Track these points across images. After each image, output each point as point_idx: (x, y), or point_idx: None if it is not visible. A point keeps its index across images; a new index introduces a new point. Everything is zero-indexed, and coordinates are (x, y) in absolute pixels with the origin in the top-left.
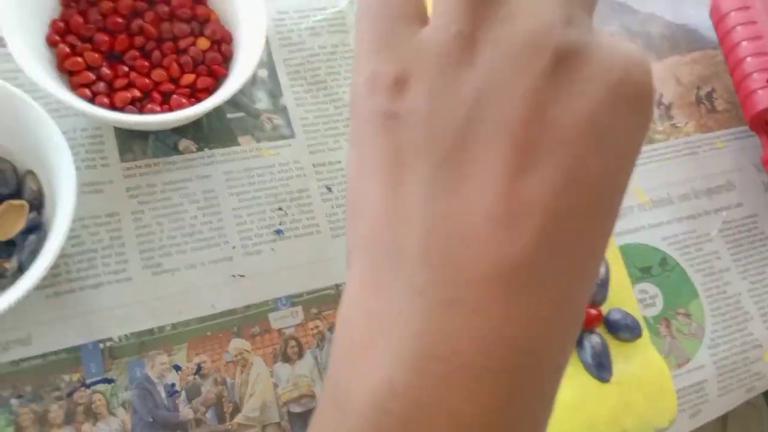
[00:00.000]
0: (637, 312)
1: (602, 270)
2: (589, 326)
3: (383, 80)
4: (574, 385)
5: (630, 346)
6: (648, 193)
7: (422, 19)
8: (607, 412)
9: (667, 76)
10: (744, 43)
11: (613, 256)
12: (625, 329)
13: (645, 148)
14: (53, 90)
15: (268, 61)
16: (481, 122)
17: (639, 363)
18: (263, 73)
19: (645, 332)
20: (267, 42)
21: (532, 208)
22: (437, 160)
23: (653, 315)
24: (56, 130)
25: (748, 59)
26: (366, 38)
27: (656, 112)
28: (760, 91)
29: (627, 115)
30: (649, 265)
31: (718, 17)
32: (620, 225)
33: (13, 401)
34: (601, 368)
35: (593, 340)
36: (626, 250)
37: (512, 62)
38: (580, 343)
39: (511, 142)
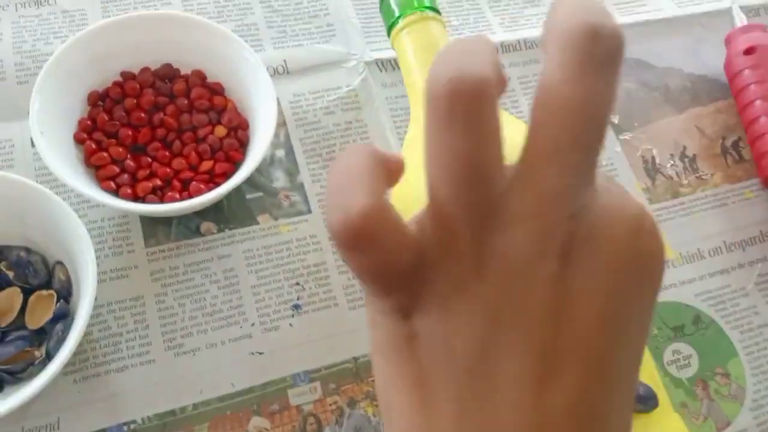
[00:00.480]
0: (656, 380)
1: None
2: None
3: (396, 307)
4: None
5: (645, 417)
6: (677, 249)
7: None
8: None
9: (690, 128)
10: (758, 102)
11: None
12: (636, 400)
13: (671, 203)
14: (80, 187)
15: (285, 142)
16: (500, 334)
17: None
18: (280, 153)
19: (665, 401)
20: (284, 123)
21: (560, 416)
22: (463, 376)
23: (688, 376)
24: (80, 223)
25: (762, 119)
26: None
27: (680, 165)
28: None
29: (640, 291)
30: (681, 324)
31: (731, 74)
32: None
33: None
34: None
35: None
36: (656, 310)
37: (521, 273)
38: None
39: (532, 352)
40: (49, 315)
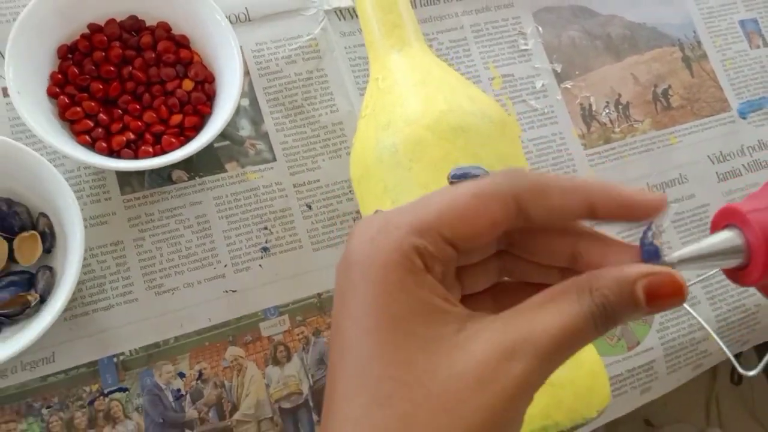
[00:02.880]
0: None
1: None
2: None
3: None
4: None
5: None
6: None
7: None
8: (539, 411)
9: (626, 76)
10: None
11: None
12: None
13: (603, 148)
14: (58, 144)
15: (249, 91)
16: None
17: (570, 365)
18: (245, 102)
19: None
20: (248, 72)
21: None
22: None
23: None
24: (63, 180)
25: None
26: None
27: (614, 113)
28: None
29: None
30: None
31: None
32: None
33: (44, 411)
34: None
35: None
36: None
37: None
38: None
39: None
40: (38, 252)
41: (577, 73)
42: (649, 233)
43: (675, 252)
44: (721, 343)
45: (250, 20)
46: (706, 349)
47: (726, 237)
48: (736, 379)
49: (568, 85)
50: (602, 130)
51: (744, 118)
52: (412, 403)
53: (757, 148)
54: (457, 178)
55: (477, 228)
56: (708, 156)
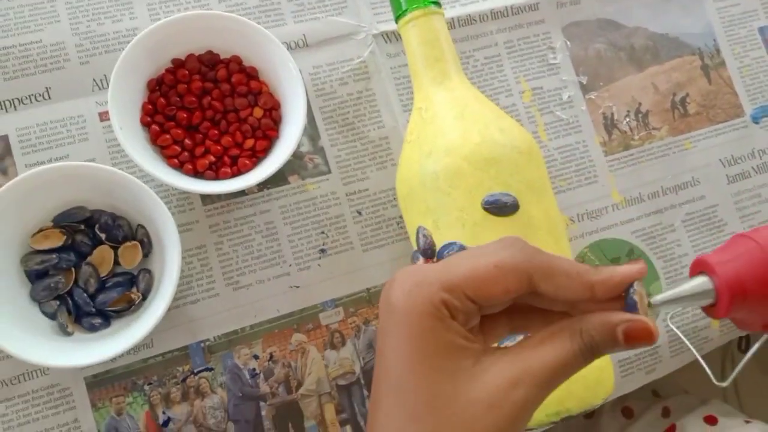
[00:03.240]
0: None
1: None
2: None
3: None
4: None
5: None
6: (623, 194)
7: None
8: (554, 399)
9: (647, 85)
10: None
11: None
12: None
13: (622, 154)
14: (153, 170)
15: (308, 111)
16: None
17: None
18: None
19: None
20: (306, 93)
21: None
22: None
23: None
24: (159, 201)
25: None
26: None
27: (634, 121)
28: None
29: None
30: (618, 256)
31: None
32: (596, 224)
33: (146, 387)
34: None
35: None
36: (600, 245)
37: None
38: None
39: None
40: (139, 257)
41: (601, 84)
42: (631, 290)
43: (658, 295)
44: (698, 356)
45: (308, 46)
46: (707, 335)
47: (699, 282)
48: (743, 347)
49: (592, 96)
50: (622, 138)
51: (756, 123)
52: (439, 421)
53: (767, 150)
54: (490, 204)
55: (494, 293)
56: (720, 159)
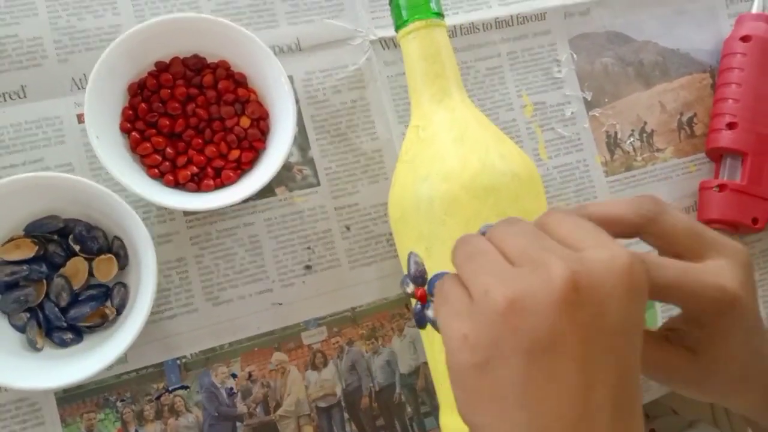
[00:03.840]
0: None
1: None
2: None
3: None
4: None
5: None
6: None
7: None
8: None
9: (654, 104)
10: (733, 86)
11: None
12: None
13: (624, 175)
14: (131, 182)
15: (298, 119)
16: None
17: None
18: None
19: None
20: (297, 101)
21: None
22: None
23: None
24: (134, 214)
25: (729, 101)
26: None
27: (638, 141)
28: (723, 131)
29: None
30: None
31: (726, 51)
32: None
33: (118, 404)
34: None
35: None
36: None
37: (613, 286)
38: None
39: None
40: (114, 270)
41: (606, 100)
42: None
43: None
44: None
45: (301, 50)
46: None
47: None
48: None
49: (596, 113)
50: (625, 158)
51: None
52: None
53: None
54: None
55: None
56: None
